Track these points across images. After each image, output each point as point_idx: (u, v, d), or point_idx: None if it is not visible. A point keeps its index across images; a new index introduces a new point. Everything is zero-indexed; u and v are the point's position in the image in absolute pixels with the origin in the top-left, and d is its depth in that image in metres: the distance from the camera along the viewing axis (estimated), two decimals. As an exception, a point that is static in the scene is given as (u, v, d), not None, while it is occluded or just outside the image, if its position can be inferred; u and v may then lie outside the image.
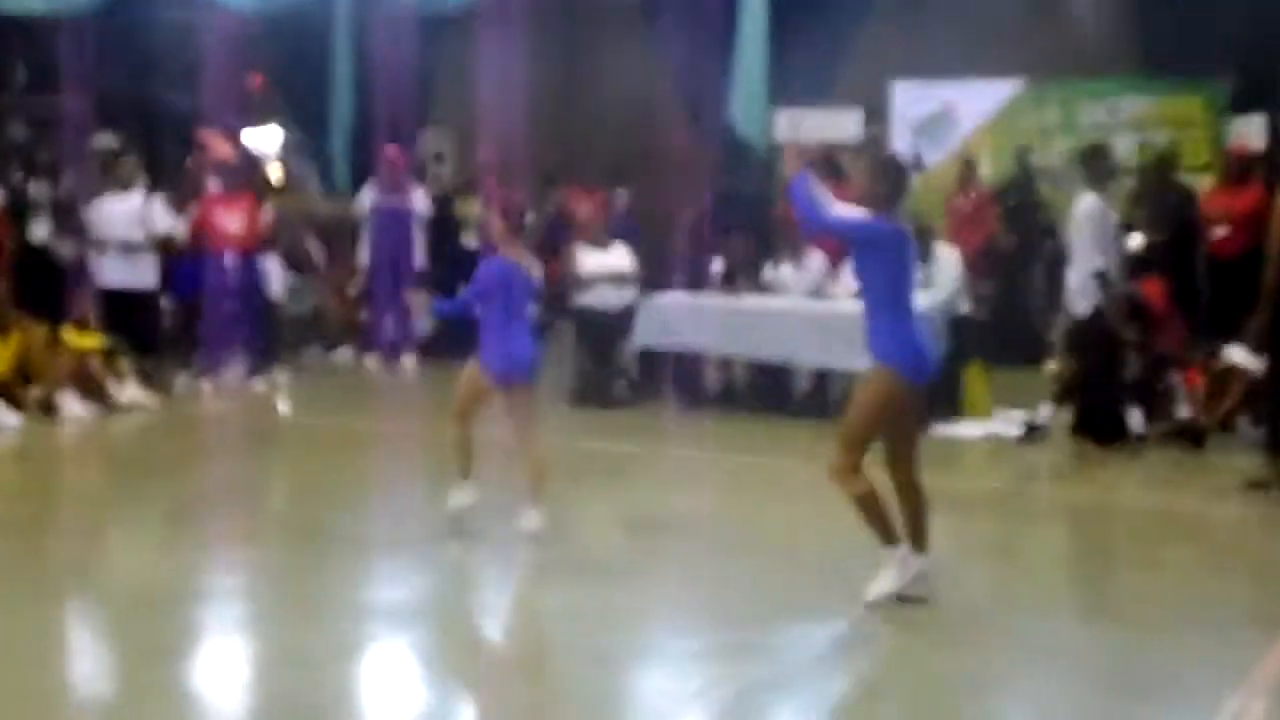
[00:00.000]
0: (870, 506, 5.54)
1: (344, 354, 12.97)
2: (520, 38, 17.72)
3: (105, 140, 12.15)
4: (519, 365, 6.64)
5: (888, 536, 5.59)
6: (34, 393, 9.66)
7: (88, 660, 5.22)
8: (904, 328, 5.50)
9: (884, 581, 5.59)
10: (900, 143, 13.60)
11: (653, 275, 11.00)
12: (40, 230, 10.70)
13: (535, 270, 6.85)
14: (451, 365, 12.53)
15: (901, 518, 5.72)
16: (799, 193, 5.53)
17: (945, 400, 9.63)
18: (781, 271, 10.55)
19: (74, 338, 9.97)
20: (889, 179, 5.54)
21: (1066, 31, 14.35)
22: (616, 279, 10.76)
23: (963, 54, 14.17)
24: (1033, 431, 9.14)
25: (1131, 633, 5.56)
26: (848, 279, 10.27)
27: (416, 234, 12.76)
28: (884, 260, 5.48)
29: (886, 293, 5.49)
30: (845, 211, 5.67)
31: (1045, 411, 9.16)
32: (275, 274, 11.56)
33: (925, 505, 5.71)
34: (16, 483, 8.39)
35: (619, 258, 10.94)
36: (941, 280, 9.99)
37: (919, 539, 5.70)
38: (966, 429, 9.54)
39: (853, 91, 13.95)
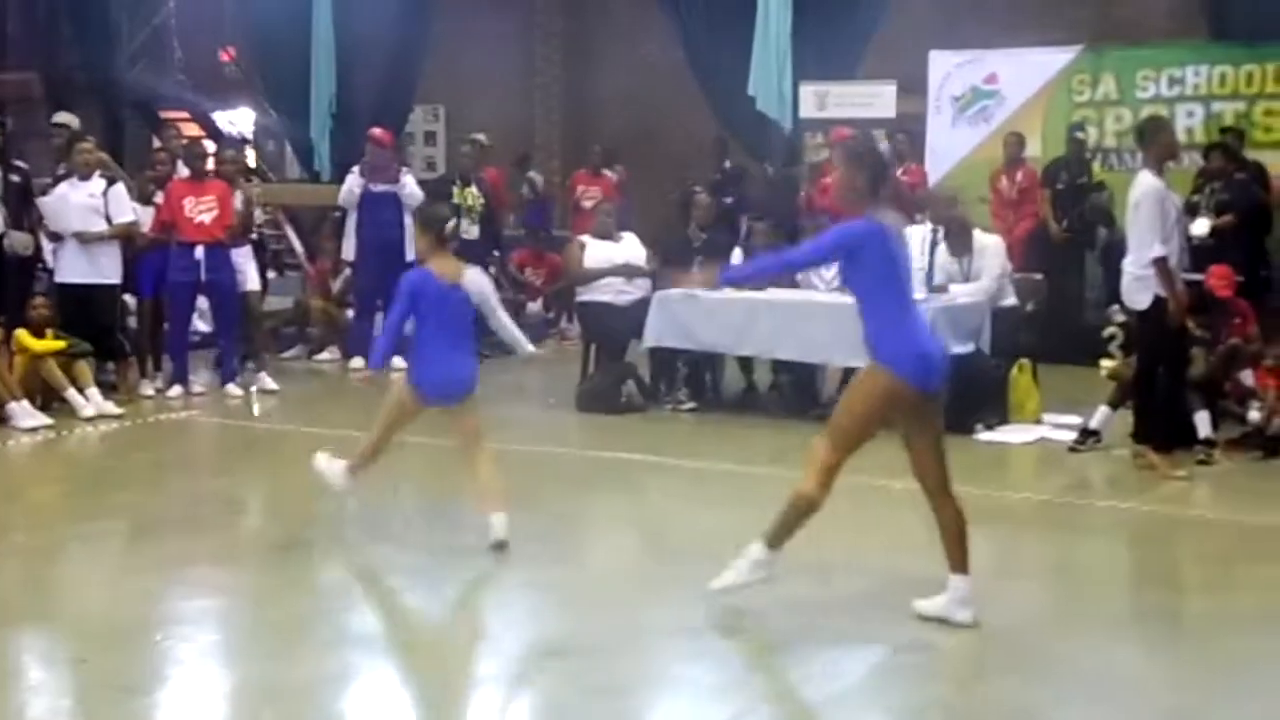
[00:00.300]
0: (799, 511, 5.61)
1: (329, 356, 12.97)
2: (518, 5, 17.78)
3: (63, 120, 12.11)
4: (452, 387, 6.84)
5: (774, 539, 5.66)
6: (-16, 401, 9.68)
7: (45, 697, 5.19)
8: (903, 329, 5.50)
9: (731, 574, 5.69)
10: (939, 119, 13.58)
11: (665, 268, 10.98)
12: (-9, 222, 10.70)
13: (474, 283, 6.87)
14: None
15: (941, 537, 5.71)
16: (746, 277, 5.55)
17: (989, 402, 9.62)
18: (808, 262, 10.52)
19: (29, 341, 9.96)
20: (866, 172, 5.57)
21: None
22: (626, 273, 10.76)
23: (1008, 20, 14.18)
24: (1087, 437, 9.10)
25: (1202, 663, 5.53)
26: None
27: (408, 223, 12.76)
28: (868, 263, 5.49)
29: (878, 295, 5.50)
30: (806, 244, 5.64)
31: (1101, 415, 9.12)
32: (251, 268, 11.55)
33: (964, 523, 5.70)
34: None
35: (630, 249, 10.93)
36: (984, 271, 9.98)
37: (960, 560, 5.69)
38: (1013, 434, 9.52)
39: (885, 63, 13.92)
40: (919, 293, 9.53)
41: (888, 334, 5.48)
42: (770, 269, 5.59)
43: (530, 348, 7.44)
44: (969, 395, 9.54)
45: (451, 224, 6.89)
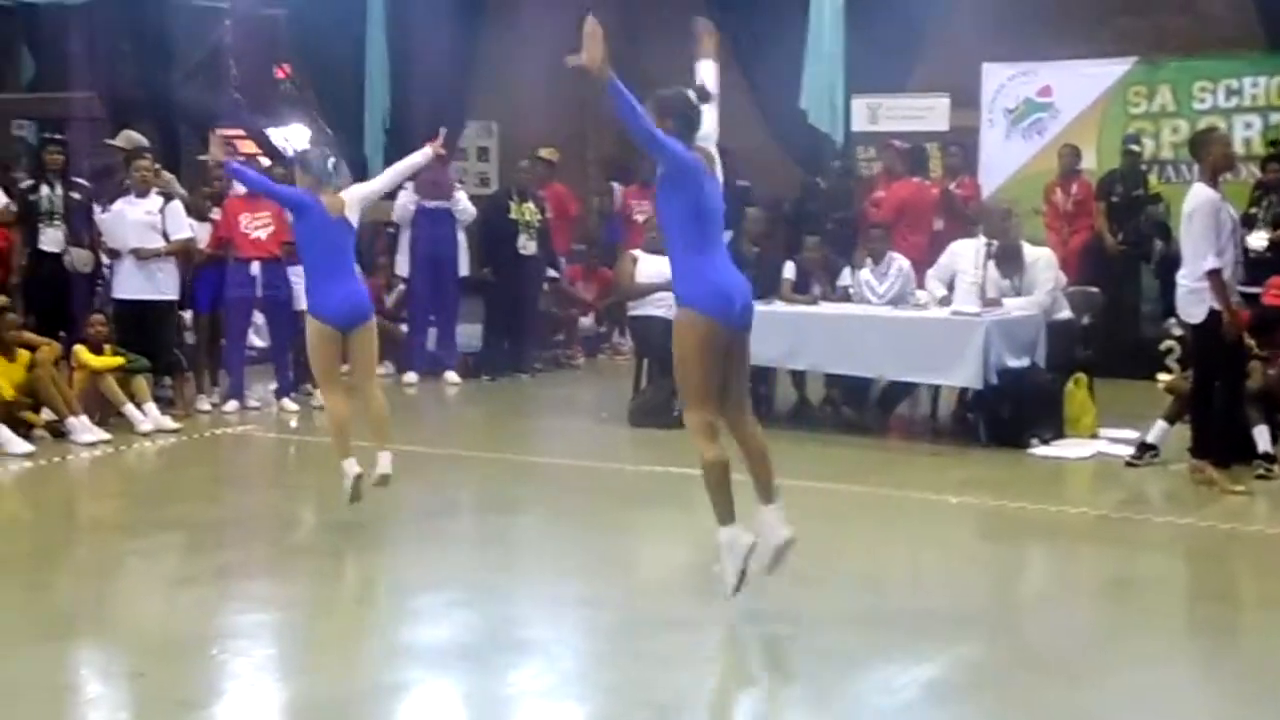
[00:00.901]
0: (713, 478, 5.76)
1: (383, 370, 13.03)
2: (567, 20, 17.83)
3: (126, 139, 12.23)
4: (354, 309, 7.44)
5: (721, 516, 5.81)
6: (44, 417, 9.80)
7: (103, 711, 5.26)
8: (704, 267, 5.73)
9: (727, 570, 5.84)
10: (993, 132, 13.51)
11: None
12: (52, 238, 10.85)
13: (352, 202, 7.48)
14: (499, 383, 12.73)
15: (748, 464, 5.97)
16: (619, 90, 5.61)
17: (1045, 416, 9.56)
18: (860, 276, 10.51)
19: (88, 357, 10.08)
20: (674, 120, 5.81)
21: (1179, 4, 14.24)
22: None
23: (1062, 32, 14.09)
24: (1144, 451, 9.03)
25: (1257, 677, 5.47)
26: (933, 285, 10.24)
27: (461, 240, 12.84)
28: (686, 192, 5.74)
29: (687, 228, 5.73)
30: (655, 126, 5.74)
31: (1158, 429, 9.05)
32: (302, 284, 11.63)
33: (766, 452, 5.98)
34: (26, 515, 8.52)
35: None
36: (1036, 285, 9.94)
37: (768, 488, 5.95)
38: (1069, 448, 9.45)
39: (938, 76, 13.88)
40: (972, 305, 9.57)
41: (691, 271, 5.71)
42: (635, 110, 5.66)
43: (426, 149, 8.34)
44: (1024, 409, 9.51)
45: (331, 161, 7.52)
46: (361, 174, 15.69)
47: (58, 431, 9.75)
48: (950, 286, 10.12)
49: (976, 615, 6.03)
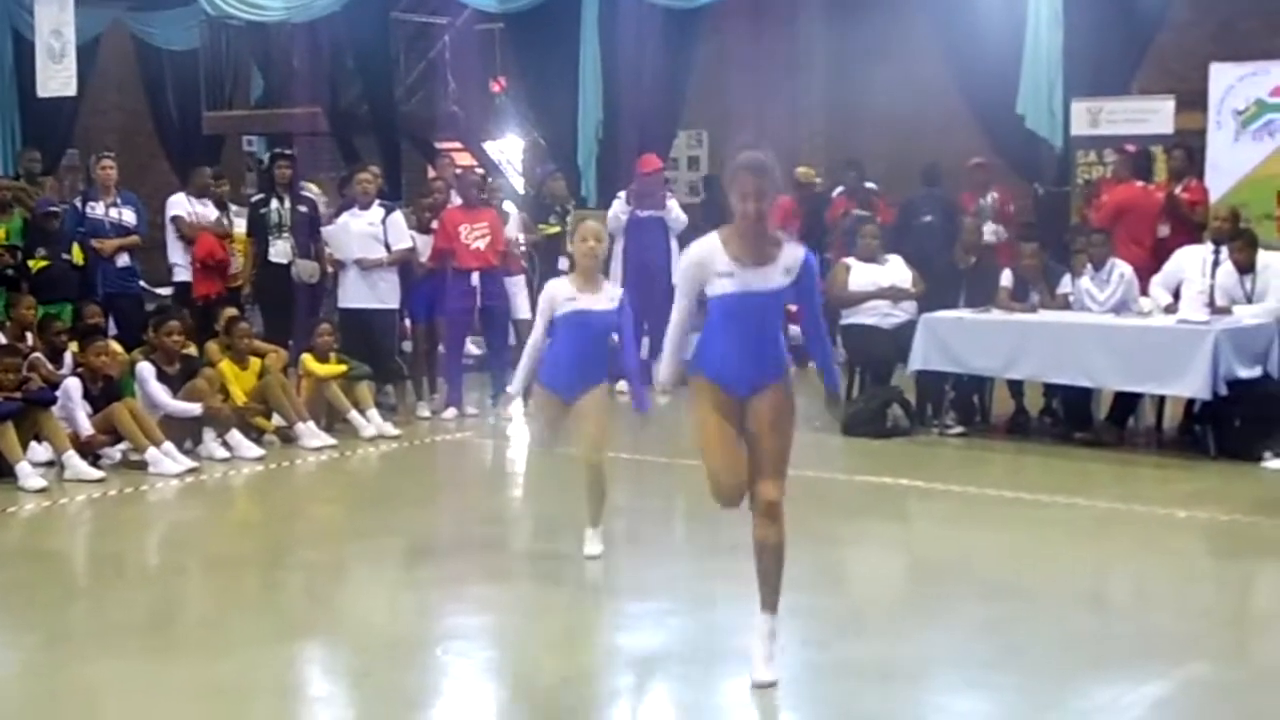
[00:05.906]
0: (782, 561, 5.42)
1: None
2: (779, 26, 17.82)
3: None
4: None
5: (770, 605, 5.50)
6: (274, 422, 10.16)
7: (331, 710, 5.42)
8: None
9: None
10: (1221, 134, 13.07)
11: (932, 290, 10.85)
12: (280, 250, 11.26)
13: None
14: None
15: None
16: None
17: (1278, 429, 9.20)
18: (1080, 284, 10.27)
19: (314, 366, 10.42)
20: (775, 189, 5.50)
21: None
22: (892, 295, 10.67)
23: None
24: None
25: None
26: (1157, 292, 9.95)
27: (673, 248, 12.90)
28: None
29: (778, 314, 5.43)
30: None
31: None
32: (522, 297, 11.83)
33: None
34: (256, 517, 8.84)
35: (895, 272, 10.84)
36: (1269, 291, 9.59)
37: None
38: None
39: (1162, 78, 13.48)
40: (1200, 313, 9.27)
41: (781, 345, 5.46)
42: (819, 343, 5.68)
43: None
44: (1256, 421, 9.17)
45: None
46: (575, 186, 15.97)
47: (286, 437, 10.10)
48: (1176, 294, 9.82)
49: (1206, 634, 5.83)
